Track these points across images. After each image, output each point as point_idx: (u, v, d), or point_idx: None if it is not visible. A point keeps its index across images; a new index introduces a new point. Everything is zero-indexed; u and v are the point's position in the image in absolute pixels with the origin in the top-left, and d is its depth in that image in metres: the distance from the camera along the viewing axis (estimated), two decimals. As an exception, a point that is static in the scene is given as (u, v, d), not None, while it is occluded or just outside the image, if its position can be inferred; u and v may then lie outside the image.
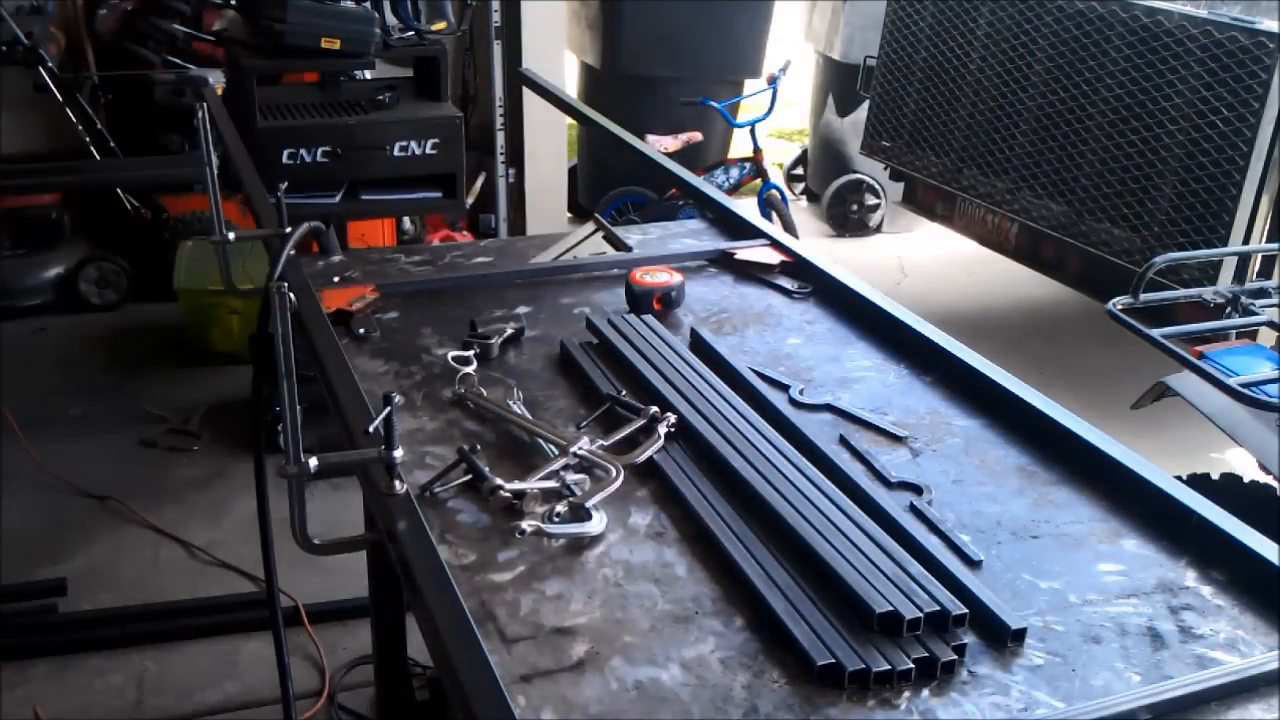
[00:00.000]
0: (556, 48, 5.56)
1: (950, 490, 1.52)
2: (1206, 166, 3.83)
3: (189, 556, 3.56)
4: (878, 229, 6.77)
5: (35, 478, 3.83)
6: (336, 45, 3.57)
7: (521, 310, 2.06)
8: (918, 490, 1.52)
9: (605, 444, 1.57)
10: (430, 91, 3.85)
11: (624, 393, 1.70)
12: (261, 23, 3.52)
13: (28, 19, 5.12)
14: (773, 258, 2.26)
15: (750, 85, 6.32)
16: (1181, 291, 2.90)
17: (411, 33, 3.81)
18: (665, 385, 1.70)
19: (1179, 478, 1.54)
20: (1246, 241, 3.78)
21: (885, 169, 5.59)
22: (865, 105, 5.53)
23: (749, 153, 5.87)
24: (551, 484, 1.48)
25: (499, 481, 1.44)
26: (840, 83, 6.53)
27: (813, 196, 7.12)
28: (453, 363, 1.80)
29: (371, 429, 1.36)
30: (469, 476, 1.49)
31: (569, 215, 6.05)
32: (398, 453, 1.37)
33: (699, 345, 1.87)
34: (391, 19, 3.77)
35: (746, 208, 2.63)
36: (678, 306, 2.06)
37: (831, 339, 1.98)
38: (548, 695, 1.14)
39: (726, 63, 6.26)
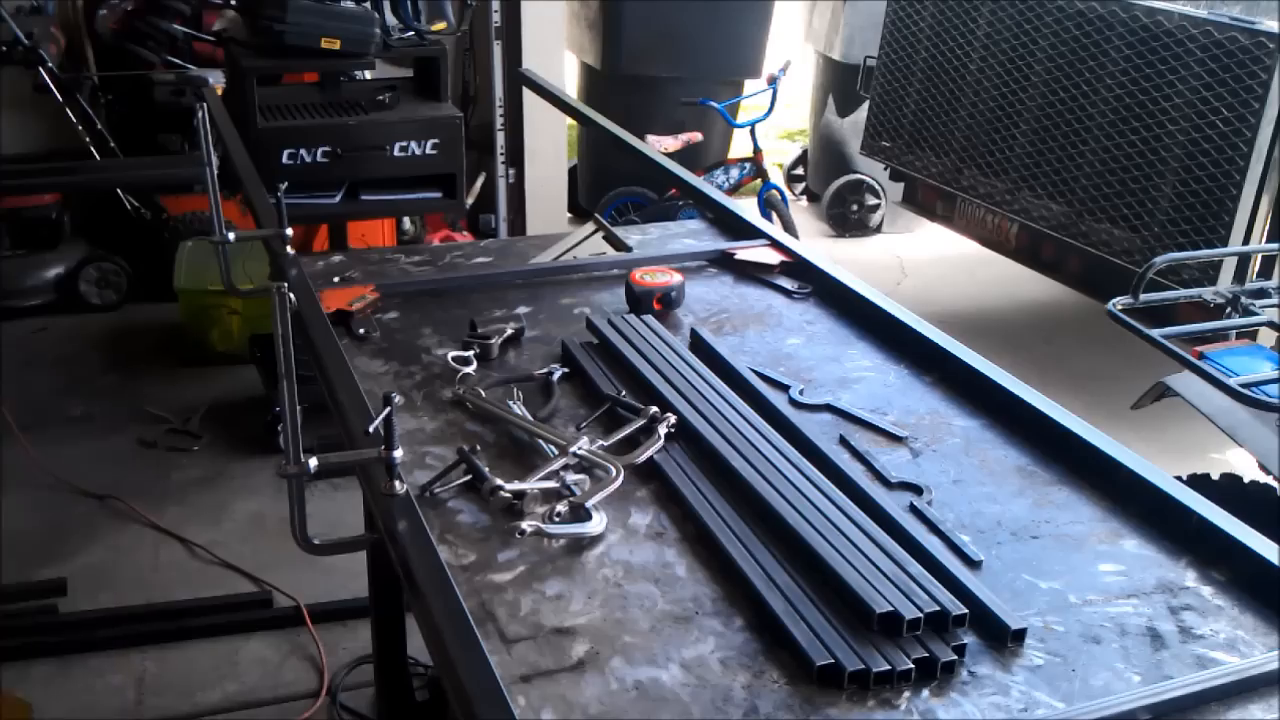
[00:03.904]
0: (556, 48, 5.56)
1: (950, 490, 1.52)
2: (1206, 166, 3.83)
3: (189, 556, 3.56)
4: (878, 229, 6.76)
5: (35, 478, 3.83)
6: (336, 45, 3.56)
7: (521, 310, 2.06)
8: (918, 490, 1.52)
9: (605, 444, 1.57)
10: (430, 91, 3.85)
11: (624, 393, 1.70)
12: (261, 23, 3.52)
13: (28, 19, 5.12)
14: (773, 258, 2.26)
15: (750, 85, 6.32)
16: (1181, 291, 2.90)
17: (411, 33, 3.81)
18: (665, 385, 1.70)
19: (1179, 478, 1.54)
20: (1246, 241, 3.78)
21: (885, 169, 5.60)
22: (865, 105, 5.53)
23: (749, 153, 5.86)
24: (551, 484, 1.48)
25: (499, 482, 1.44)
26: (840, 83, 6.53)
27: (813, 196, 7.12)
28: (453, 363, 1.80)
29: (371, 429, 1.36)
30: (469, 477, 1.49)
31: (569, 215, 6.05)
32: (398, 453, 1.37)
33: (699, 345, 1.87)
34: (391, 19, 3.77)
35: (746, 208, 2.63)
36: (678, 306, 2.06)
37: (831, 339, 1.98)
38: (548, 695, 1.14)
39: (726, 63, 6.25)
